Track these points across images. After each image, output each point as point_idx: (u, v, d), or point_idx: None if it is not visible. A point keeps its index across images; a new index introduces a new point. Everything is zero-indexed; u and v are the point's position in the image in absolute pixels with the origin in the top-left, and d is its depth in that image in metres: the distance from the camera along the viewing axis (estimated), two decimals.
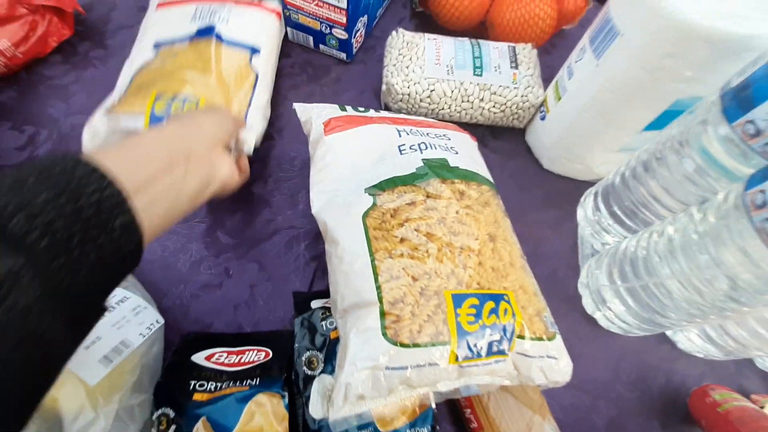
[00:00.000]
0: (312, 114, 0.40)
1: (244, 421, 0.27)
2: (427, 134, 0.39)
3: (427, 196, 0.33)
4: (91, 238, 0.18)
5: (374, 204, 0.33)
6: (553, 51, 0.60)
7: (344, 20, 0.49)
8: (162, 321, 0.34)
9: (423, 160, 0.35)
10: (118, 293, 0.33)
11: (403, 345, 0.27)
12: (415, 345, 0.27)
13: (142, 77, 0.43)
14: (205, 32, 0.44)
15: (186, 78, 0.41)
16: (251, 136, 0.41)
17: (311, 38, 0.54)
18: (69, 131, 0.46)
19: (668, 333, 0.43)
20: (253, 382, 0.30)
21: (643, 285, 0.35)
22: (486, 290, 0.30)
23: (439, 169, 0.35)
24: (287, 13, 0.52)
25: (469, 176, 0.36)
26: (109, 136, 0.40)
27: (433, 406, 0.31)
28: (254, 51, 0.46)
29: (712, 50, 0.31)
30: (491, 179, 0.39)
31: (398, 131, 0.38)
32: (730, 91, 0.30)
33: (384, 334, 0.27)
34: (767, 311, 0.33)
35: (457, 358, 0.28)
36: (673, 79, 0.35)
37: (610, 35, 0.36)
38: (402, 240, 0.31)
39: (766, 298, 0.27)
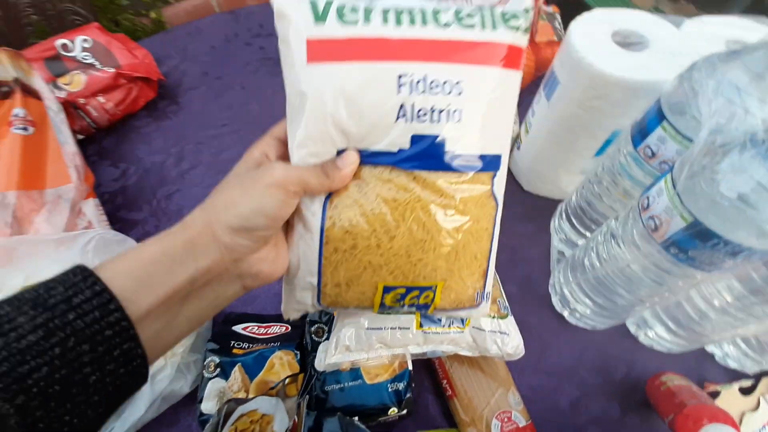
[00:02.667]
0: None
1: (267, 368, 0.38)
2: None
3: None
4: (80, 380, 0.19)
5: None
6: (535, 91, 0.70)
7: None
8: None
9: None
10: None
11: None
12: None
13: (343, 250, 0.28)
14: (427, 154, 0.27)
15: (412, 251, 0.28)
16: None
17: None
18: (150, 167, 0.61)
19: (631, 330, 0.49)
20: (276, 345, 0.40)
21: (586, 277, 0.43)
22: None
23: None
24: None
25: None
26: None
27: (410, 366, 0.39)
28: (494, 163, 0.29)
29: (625, 94, 0.41)
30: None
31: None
32: (636, 124, 0.39)
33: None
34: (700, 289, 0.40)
35: (421, 325, 0.37)
36: (605, 115, 0.44)
37: (555, 83, 0.46)
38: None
39: (665, 280, 0.35)
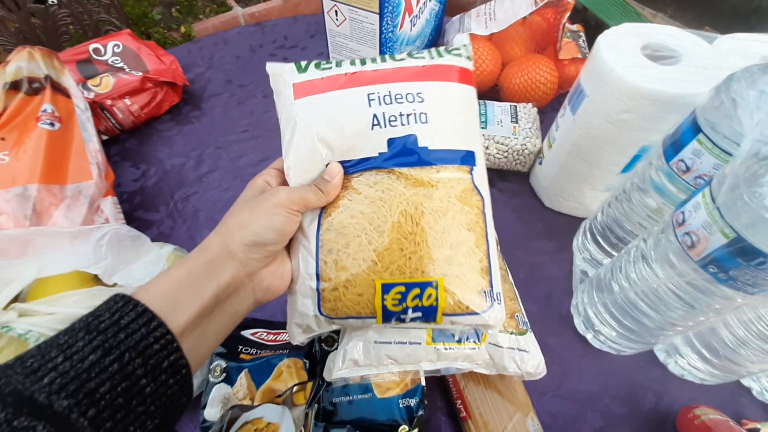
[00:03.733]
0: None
1: (274, 375, 0.36)
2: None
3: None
4: (138, 391, 0.21)
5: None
6: (558, 108, 0.69)
7: None
8: None
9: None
10: None
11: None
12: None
13: (337, 250, 0.30)
14: (403, 152, 0.30)
15: (404, 244, 0.29)
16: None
17: None
18: (169, 169, 0.62)
19: (660, 357, 0.46)
20: (284, 352, 0.39)
21: (613, 298, 0.40)
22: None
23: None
24: None
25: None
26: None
27: (423, 382, 0.37)
28: (469, 158, 0.31)
29: (656, 107, 0.39)
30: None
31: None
32: (668, 138, 0.37)
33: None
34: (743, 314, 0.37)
35: (433, 340, 0.34)
36: (633, 129, 0.42)
37: (581, 96, 0.45)
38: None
39: (701, 303, 0.32)
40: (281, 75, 0.33)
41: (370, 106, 0.31)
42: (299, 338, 0.32)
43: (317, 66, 0.33)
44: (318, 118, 0.31)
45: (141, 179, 0.60)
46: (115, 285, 0.41)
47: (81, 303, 0.39)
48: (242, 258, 0.28)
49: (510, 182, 0.61)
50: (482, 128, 0.57)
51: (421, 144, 0.31)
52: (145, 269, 0.41)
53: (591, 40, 0.74)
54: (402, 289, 0.29)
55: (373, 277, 0.29)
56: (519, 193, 0.60)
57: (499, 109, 0.59)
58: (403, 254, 0.29)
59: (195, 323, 0.25)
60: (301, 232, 0.31)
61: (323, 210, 0.31)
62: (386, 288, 0.29)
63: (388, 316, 0.30)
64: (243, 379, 0.36)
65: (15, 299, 0.38)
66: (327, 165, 0.31)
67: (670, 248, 0.33)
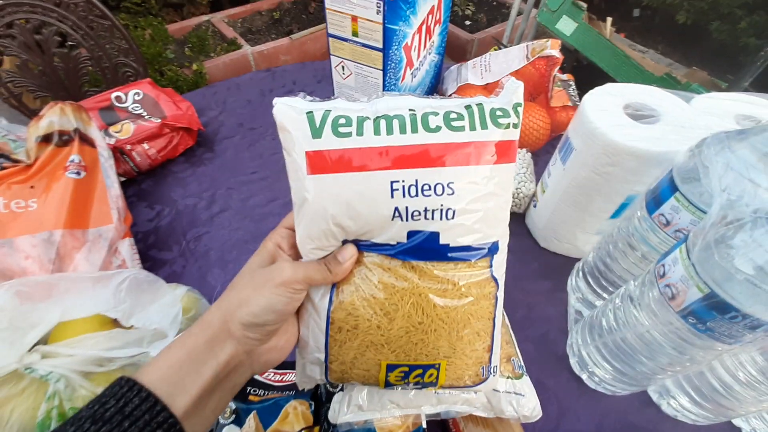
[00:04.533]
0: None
1: (281, 417, 0.38)
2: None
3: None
4: None
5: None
6: (551, 151, 0.72)
7: None
8: None
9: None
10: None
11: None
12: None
13: (346, 330, 0.30)
14: (423, 247, 0.29)
15: (412, 332, 0.30)
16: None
17: None
18: (182, 209, 0.65)
19: (654, 398, 0.47)
20: (291, 393, 0.41)
21: (604, 341, 0.42)
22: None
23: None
24: None
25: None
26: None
27: (424, 425, 0.39)
28: (492, 249, 0.30)
29: (638, 162, 0.43)
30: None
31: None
32: (649, 192, 0.40)
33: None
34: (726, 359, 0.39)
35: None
36: (618, 181, 0.46)
37: (569, 149, 0.49)
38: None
39: (685, 350, 0.34)
40: (291, 133, 0.28)
41: (392, 197, 0.27)
42: (306, 386, 0.35)
43: (334, 129, 0.28)
44: (333, 201, 0.28)
45: (155, 219, 0.63)
46: (132, 327, 0.43)
47: (100, 345, 0.41)
48: (239, 336, 0.27)
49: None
50: None
51: (442, 242, 0.28)
52: (161, 312, 0.44)
53: (582, 80, 0.79)
54: (406, 369, 0.31)
55: (379, 358, 0.31)
56: (515, 233, 0.62)
57: None
58: (410, 340, 0.30)
59: (196, 403, 0.25)
60: (311, 305, 0.31)
61: (335, 285, 0.30)
62: (391, 368, 0.31)
63: (390, 385, 0.33)
64: (252, 420, 0.38)
65: (38, 341, 0.41)
66: (342, 242, 0.29)
67: (653, 298, 0.35)
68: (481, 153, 0.28)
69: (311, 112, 0.28)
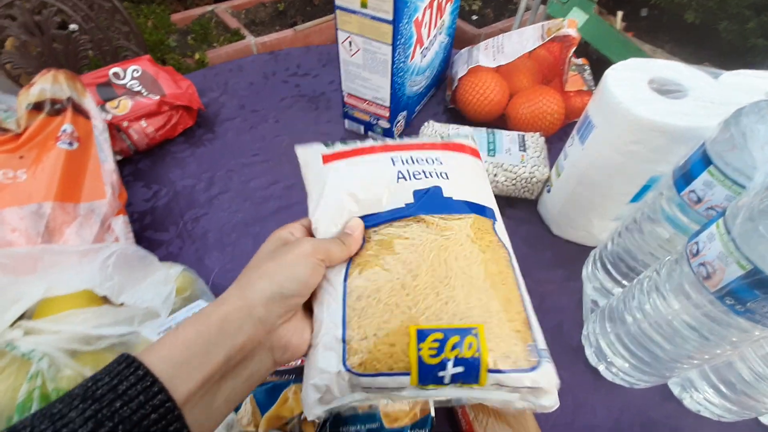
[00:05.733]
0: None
1: (280, 402, 0.35)
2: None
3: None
4: None
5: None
6: (565, 138, 0.70)
7: (387, 115, 0.64)
8: None
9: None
10: (200, 304, 0.44)
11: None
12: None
13: (366, 295, 0.28)
14: (429, 201, 0.31)
15: (439, 288, 0.28)
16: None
17: (362, 127, 0.69)
18: (180, 190, 0.62)
19: (675, 391, 0.45)
20: (290, 377, 0.38)
21: (626, 329, 0.40)
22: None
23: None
24: (346, 109, 0.68)
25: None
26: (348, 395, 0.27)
27: (433, 413, 0.36)
28: (491, 213, 0.33)
29: (665, 139, 0.40)
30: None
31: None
32: (678, 169, 0.38)
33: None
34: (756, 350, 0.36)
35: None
36: (642, 160, 0.43)
37: (589, 127, 0.46)
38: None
39: (717, 336, 0.32)
40: (309, 152, 0.36)
41: (394, 165, 0.33)
42: (315, 409, 0.26)
43: (343, 142, 0.36)
44: (346, 176, 0.33)
45: (152, 199, 0.61)
46: (122, 305, 0.41)
47: (87, 322, 0.38)
48: (262, 313, 0.25)
49: (518, 210, 0.61)
50: (491, 156, 0.58)
51: (445, 194, 0.32)
52: (153, 289, 0.41)
53: (594, 74, 0.77)
54: (440, 336, 0.26)
55: (407, 323, 0.26)
56: (527, 221, 0.60)
57: (507, 137, 0.60)
58: (438, 299, 0.27)
59: (203, 389, 0.23)
60: (326, 281, 0.29)
61: (351, 261, 0.29)
62: (422, 335, 0.26)
63: (425, 372, 0.26)
64: (248, 404, 0.35)
65: (21, 317, 0.38)
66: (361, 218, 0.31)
67: (684, 279, 0.32)
68: (455, 147, 0.36)
69: (326, 141, 0.36)
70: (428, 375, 0.26)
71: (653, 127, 0.40)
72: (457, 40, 0.77)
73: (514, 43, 0.66)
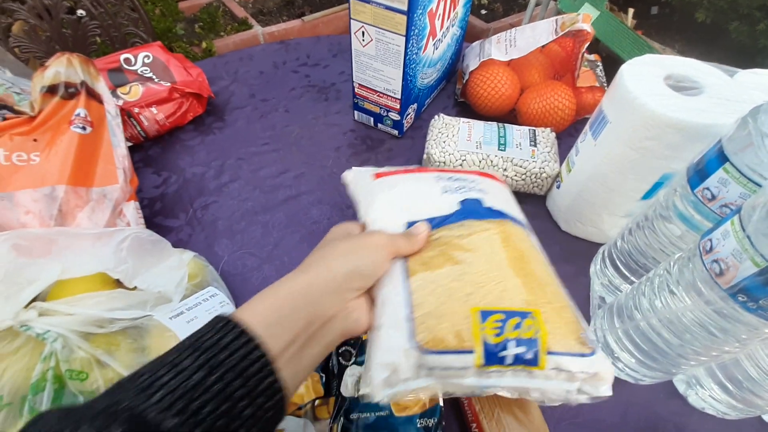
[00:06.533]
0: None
1: None
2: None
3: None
4: (237, 413, 0.21)
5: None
6: (576, 134, 0.70)
7: (398, 107, 0.63)
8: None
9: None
10: (211, 290, 0.45)
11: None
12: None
13: (431, 279, 0.30)
14: (473, 209, 0.35)
15: (495, 278, 0.30)
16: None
17: (372, 119, 0.69)
18: (190, 177, 0.62)
19: (680, 389, 0.45)
20: None
21: (634, 325, 0.40)
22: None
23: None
24: (356, 101, 0.68)
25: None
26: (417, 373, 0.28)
27: (441, 403, 0.37)
28: (521, 222, 0.37)
29: (681, 136, 0.40)
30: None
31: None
32: (692, 166, 0.38)
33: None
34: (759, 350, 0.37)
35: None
36: (655, 157, 0.43)
37: (603, 122, 0.46)
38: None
39: (727, 333, 0.32)
40: (359, 173, 0.42)
41: (438, 181, 0.38)
42: (381, 391, 0.26)
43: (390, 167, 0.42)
44: (396, 187, 0.37)
45: (162, 186, 0.61)
46: (135, 288, 0.41)
47: (101, 305, 0.39)
48: (342, 284, 0.28)
49: (527, 205, 0.60)
50: (501, 150, 0.58)
51: (485, 205, 0.35)
52: (165, 274, 0.41)
53: (605, 71, 0.76)
54: (501, 317, 0.27)
55: (467, 305, 0.28)
56: (536, 216, 0.60)
57: (518, 132, 0.60)
58: (496, 286, 0.29)
59: (289, 351, 0.25)
60: (391, 269, 0.31)
61: (410, 256, 0.32)
62: (484, 315, 0.27)
63: (489, 351, 0.26)
64: None
65: (36, 298, 0.39)
66: (410, 223, 0.34)
67: (697, 276, 0.32)
68: (485, 174, 0.42)
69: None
70: (492, 354, 0.26)
71: (668, 123, 0.40)
72: (466, 35, 0.77)
73: (527, 37, 0.65)
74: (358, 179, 0.40)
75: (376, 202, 0.36)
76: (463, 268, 0.30)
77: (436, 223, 0.33)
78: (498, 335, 0.27)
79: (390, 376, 0.26)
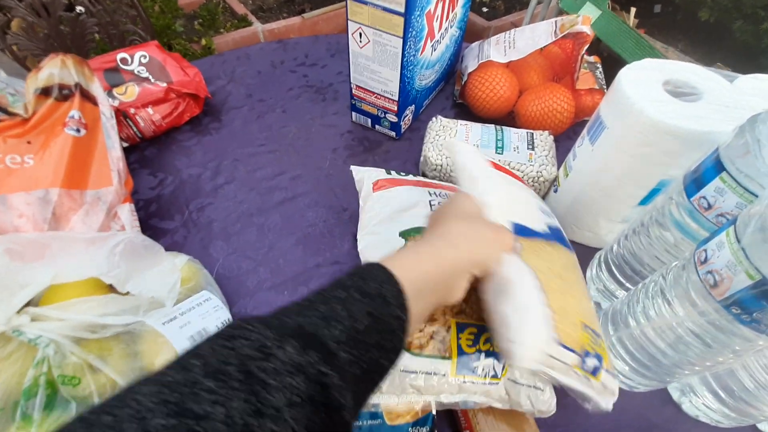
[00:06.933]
0: (364, 175, 0.52)
1: None
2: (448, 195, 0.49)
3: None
4: (380, 364, 0.24)
5: (405, 245, 0.42)
6: (574, 137, 0.69)
7: (395, 108, 0.63)
8: (232, 320, 0.45)
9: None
10: (205, 294, 0.45)
11: (413, 353, 0.35)
12: (423, 355, 0.35)
13: (548, 288, 0.34)
14: (559, 233, 0.42)
15: (580, 297, 0.37)
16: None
17: (369, 120, 0.69)
18: (186, 178, 0.62)
19: (674, 396, 0.45)
20: None
21: (628, 333, 0.40)
22: (485, 322, 0.37)
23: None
24: (354, 102, 0.68)
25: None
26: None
27: (434, 411, 0.36)
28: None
29: (678, 143, 0.39)
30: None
31: (429, 192, 0.49)
32: (689, 174, 0.37)
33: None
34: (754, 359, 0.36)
35: (457, 372, 0.35)
36: (653, 163, 0.42)
37: (600, 128, 0.45)
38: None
39: (721, 344, 0.32)
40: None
41: (536, 198, 0.46)
42: (532, 365, 0.32)
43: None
44: (511, 186, 0.45)
45: (158, 187, 0.61)
46: (128, 293, 0.41)
47: (93, 310, 0.39)
48: (470, 269, 0.30)
49: None
50: (498, 153, 0.57)
51: (565, 236, 0.45)
52: (158, 279, 0.41)
53: (605, 72, 0.76)
54: (591, 332, 0.34)
55: (576, 314, 0.35)
56: None
57: (515, 135, 0.59)
58: (583, 303, 0.37)
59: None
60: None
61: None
62: (584, 326, 0.34)
63: (583, 359, 0.33)
64: None
65: (28, 303, 0.38)
66: (514, 224, 0.38)
67: (691, 286, 0.32)
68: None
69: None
70: (584, 361, 0.33)
71: (666, 130, 0.39)
72: (467, 33, 0.76)
73: (527, 38, 0.65)
74: (478, 155, 0.43)
75: (497, 192, 0.39)
76: (566, 284, 0.36)
77: (531, 233, 0.38)
78: (591, 346, 0.33)
79: (536, 355, 0.31)
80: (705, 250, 0.32)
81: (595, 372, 0.33)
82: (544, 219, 0.41)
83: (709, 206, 0.35)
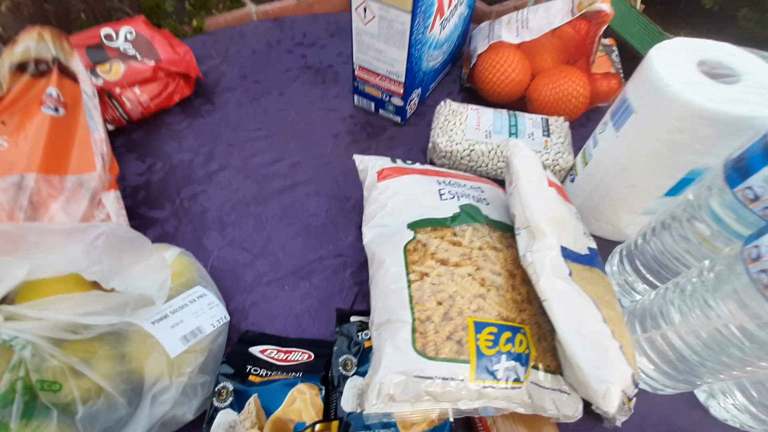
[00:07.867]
0: (368, 164, 0.48)
1: (287, 402, 0.32)
2: (463, 185, 0.46)
3: (454, 235, 0.39)
4: None
5: (414, 238, 0.39)
6: (588, 124, 0.66)
7: (401, 91, 0.59)
8: (228, 318, 0.41)
9: (459, 206, 0.42)
10: (198, 290, 0.41)
11: (428, 357, 0.32)
12: (439, 358, 0.32)
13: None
14: (596, 256, 0.41)
15: (620, 318, 0.37)
16: None
17: (373, 104, 0.65)
18: (177, 164, 0.58)
19: (701, 398, 0.42)
20: (297, 375, 0.35)
21: (661, 334, 0.37)
22: (504, 321, 0.34)
23: (470, 214, 0.41)
24: (356, 84, 0.63)
25: (495, 224, 0.41)
26: None
27: (451, 419, 0.34)
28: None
29: (715, 128, 0.36)
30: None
31: (438, 181, 0.45)
32: (731, 162, 0.34)
33: (414, 347, 0.32)
34: None
35: (476, 377, 0.32)
36: (684, 151, 0.39)
37: (627, 112, 0.42)
38: (432, 268, 0.36)
39: (761, 350, 0.29)
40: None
41: (576, 216, 0.44)
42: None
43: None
44: (561, 205, 0.42)
45: (146, 173, 0.57)
46: (113, 290, 0.37)
47: (74, 309, 0.35)
48: None
49: None
50: None
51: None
52: (147, 275, 0.37)
53: (623, 59, 0.72)
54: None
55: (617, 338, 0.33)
56: None
57: (530, 121, 0.56)
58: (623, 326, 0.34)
59: None
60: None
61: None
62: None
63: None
64: (252, 405, 0.32)
65: (2, 301, 0.35)
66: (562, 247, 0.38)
67: (740, 286, 0.29)
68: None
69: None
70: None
71: (704, 114, 0.36)
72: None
73: (540, 17, 0.61)
74: (537, 165, 0.42)
75: (549, 215, 0.38)
76: (612, 311, 0.35)
77: (574, 257, 0.37)
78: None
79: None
80: (757, 247, 0.29)
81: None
82: (586, 242, 0.41)
83: (756, 197, 0.32)
